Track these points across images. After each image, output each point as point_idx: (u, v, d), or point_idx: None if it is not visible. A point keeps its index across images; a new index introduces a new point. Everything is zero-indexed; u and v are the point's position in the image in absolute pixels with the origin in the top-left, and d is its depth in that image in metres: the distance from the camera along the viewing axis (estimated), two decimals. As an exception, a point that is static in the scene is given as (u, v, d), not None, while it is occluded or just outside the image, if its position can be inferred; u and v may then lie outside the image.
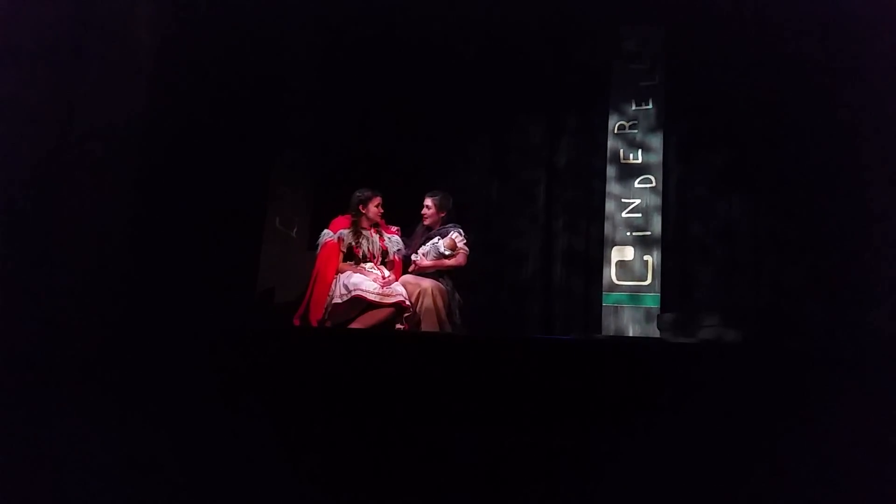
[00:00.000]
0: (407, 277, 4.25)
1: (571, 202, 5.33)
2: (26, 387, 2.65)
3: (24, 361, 2.68)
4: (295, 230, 4.80)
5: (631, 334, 4.67)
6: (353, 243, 4.21)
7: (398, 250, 4.41)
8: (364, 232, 4.27)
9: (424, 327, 4.05)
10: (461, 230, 4.39)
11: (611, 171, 5.00)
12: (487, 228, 5.36)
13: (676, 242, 4.94)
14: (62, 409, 2.63)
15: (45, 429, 2.59)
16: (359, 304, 3.99)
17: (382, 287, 4.03)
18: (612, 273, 4.85)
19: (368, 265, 4.20)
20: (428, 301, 4.08)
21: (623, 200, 4.92)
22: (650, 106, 4.99)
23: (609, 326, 4.77)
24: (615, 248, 4.88)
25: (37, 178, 2.87)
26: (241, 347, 2.87)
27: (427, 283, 4.14)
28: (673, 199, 5.00)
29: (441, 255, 4.29)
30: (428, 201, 4.42)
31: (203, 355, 2.78)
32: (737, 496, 2.28)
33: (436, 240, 4.33)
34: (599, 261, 4.98)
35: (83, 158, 3.01)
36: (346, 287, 4.02)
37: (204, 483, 2.46)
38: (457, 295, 4.28)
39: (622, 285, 4.80)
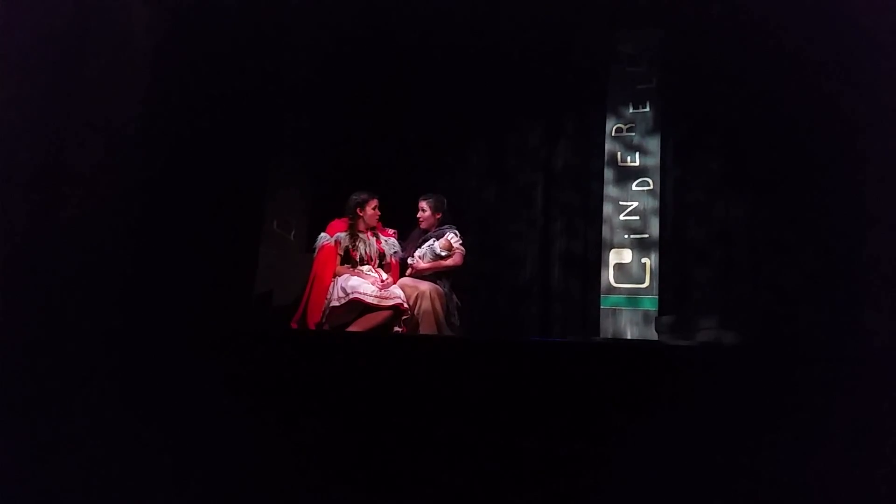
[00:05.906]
0: (405, 280, 4.24)
1: (569, 205, 5.34)
2: (23, 389, 2.64)
3: (22, 364, 2.67)
4: (292, 233, 4.79)
5: (629, 337, 4.67)
6: (351, 246, 4.20)
7: (395, 252, 4.39)
8: (361, 235, 4.26)
9: (423, 330, 4.04)
10: (456, 230, 4.38)
11: (608, 173, 5.01)
12: (485, 231, 5.37)
13: (674, 245, 4.95)
14: (59, 412, 2.63)
15: (42, 431, 2.58)
16: (357, 306, 3.97)
17: (380, 290, 4.01)
18: (609, 276, 4.85)
19: (366, 268, 4.19)
20: (426, 304, 4.07)
21: (620, 203, 4.93)
22: (647, 109, 5.00)
23: (607, 329, 4.78)
24: (613, 251, 4.88)
25: (35, 181, 2.86)
26: (239, 350, 2.86)
27: (425, 286, 4.13)
28: (670, 202, 5.01)
29: (437, 257, 4.27)
30: (423, 204, 4.42)
31: (200, 358, 2.77)
32: (735, 498, 2.27)
33: (431, 241, 4.32)
34: (597, 263, 4.99)
35: (80, 161, 3.00)
36: (343, 290, 4.00)
37: (201, 485, 2.45)
38: (455, 298, 4.28)
39: (620, 288, 4.81)
